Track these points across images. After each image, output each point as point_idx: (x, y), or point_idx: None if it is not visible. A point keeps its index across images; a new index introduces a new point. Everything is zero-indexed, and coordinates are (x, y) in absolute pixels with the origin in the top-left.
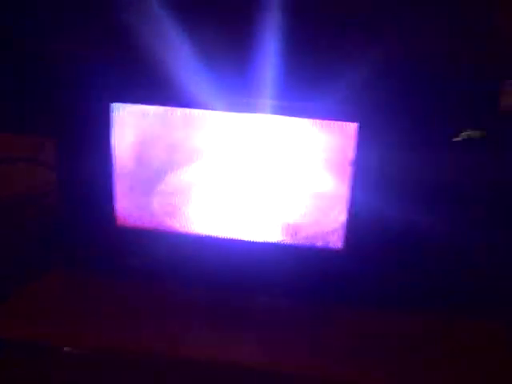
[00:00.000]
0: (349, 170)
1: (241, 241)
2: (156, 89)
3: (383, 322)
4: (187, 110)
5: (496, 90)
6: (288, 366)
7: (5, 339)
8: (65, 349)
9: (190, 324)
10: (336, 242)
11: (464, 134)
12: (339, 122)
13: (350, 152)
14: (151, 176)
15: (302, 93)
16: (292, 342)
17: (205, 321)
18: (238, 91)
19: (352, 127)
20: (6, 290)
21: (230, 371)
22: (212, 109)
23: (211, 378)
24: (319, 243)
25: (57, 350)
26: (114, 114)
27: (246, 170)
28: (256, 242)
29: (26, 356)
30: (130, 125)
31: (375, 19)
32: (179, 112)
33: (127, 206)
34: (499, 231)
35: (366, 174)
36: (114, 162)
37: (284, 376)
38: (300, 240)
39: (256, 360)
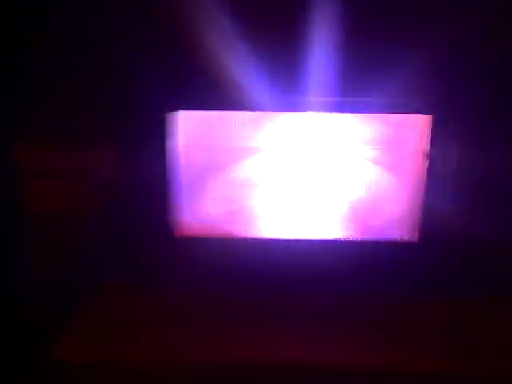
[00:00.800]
0: (425, 163)
1: (311, 240)
2: (215, 95)
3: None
4: (247, 114)
5: None
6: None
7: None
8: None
9: (272, 328)
10: (413, 235)
11: None
12: (414, 115)
13: (425, 144)
14: (209, 183)
15: (375, 89)
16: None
17: (285, 323)
18: (301, 91)
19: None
20: (70, 304)
21: (321, 372)
22: (280, 110)
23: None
24: (396, 236)
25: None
26: (176, 122)
27: (318, 168)
28: (328, 240)
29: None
30: (191, 133)
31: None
32: (238, 116)
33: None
34: None
35: (441, 167)
36: (174, 171)
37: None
38: (375, 234)
39: (346, 358)
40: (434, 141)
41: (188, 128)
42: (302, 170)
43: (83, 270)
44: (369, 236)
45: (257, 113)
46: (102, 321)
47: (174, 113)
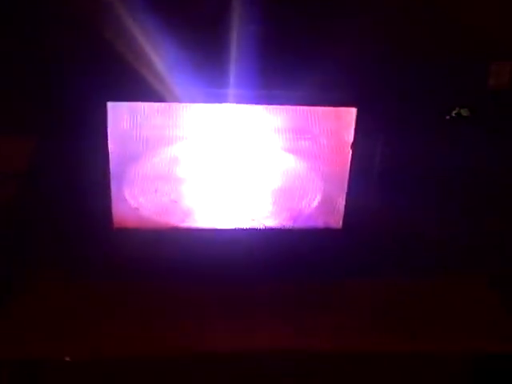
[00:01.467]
0: (348, 153)
1: (242, 229)
2: (146, 86)
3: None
4: (177, 105)
5: (485, 71)
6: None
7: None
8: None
9: (205, 317)
10: (336, 222)
11: (455, 112)
12: (339, 108)
13: (350, 136)
14: (145, 173)
15: (300, 81)
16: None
17: (219, 313)
18: (231, 82)
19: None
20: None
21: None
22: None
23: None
24: (320, 224)
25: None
26: (109, 112)
27: (244, 159)
28: (258, 229)
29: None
30: (124, 123)
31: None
32: (169, 107)
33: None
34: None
35: (364, 157)
36: (109, 162)
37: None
38: (302, 222)
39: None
40: (357, 132)
41: (116, 119)
42: (226, 161)
43: (17, 260)
44: (294, 224)
45: (180, 104)
46: (35, 311)
47: (109, 103)
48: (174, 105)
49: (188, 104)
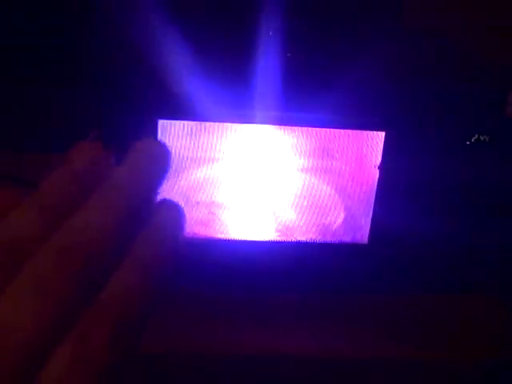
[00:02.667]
0: (375, 174)
1: (272, 241)
2: (192, 105)
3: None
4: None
5: (503, 99)
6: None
7: None
8: None
9: (234, 324)
10: (363, 238)
11: (474, 138)
12: (367, 132)
13: (377, 158)
14: (187, 187)
15: (329, 104)
16: (330, 329)
17: (247, 321)
18: (262, 104)
19: (379, 136)
20: None
21: (273, 363)
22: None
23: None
24: (348, 239)
25: None
26: (159, 129)
27: (275, 177)
28: (288, 242)
29: None
30: (173, 140)
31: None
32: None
33: None
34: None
35: (390, 177)
36: None
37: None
38: (330, 237)
39: (306, 349)
40: (385, 155)
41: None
42: (258, 179)
43: None
44: (323, 239)
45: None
46: None
47: (161, 120)
48: (208, 127)
49: (222, 125)
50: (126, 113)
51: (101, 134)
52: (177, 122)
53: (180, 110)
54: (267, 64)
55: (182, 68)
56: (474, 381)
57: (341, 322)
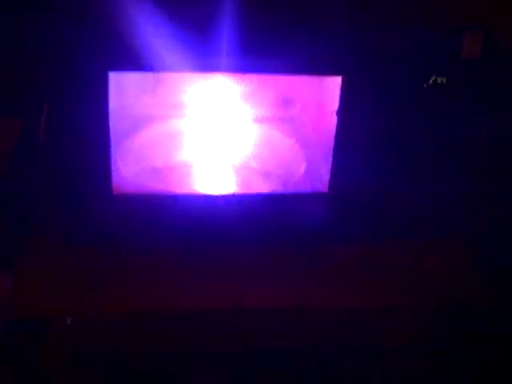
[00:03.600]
0: (334, 120)
1: (234, 195)
2: (144, 56)
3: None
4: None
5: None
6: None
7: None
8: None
9: (200, 278)
10: (323, 187)
11: (432, 80)
12: (325, 77)
13: (336, 104)
14: (144, 143)
15: (286, 50)
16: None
17: (212, 274)
18: (219, 52)
19: (337, 81)
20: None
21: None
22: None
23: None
24: (308, 189)
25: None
26: (110, 82)
27: (233, 128)
28: (248, 194)
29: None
30: (125, 91)
31: None
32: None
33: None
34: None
35: (349, 123)
36: (110, 130)
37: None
38: (291, 187)
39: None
40: (343, 100)
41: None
42: (216, 130)
43: (18, 228)
44: (284, 189)
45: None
46: (37, 273)
47: (111, 73)
48: (163, 78)
49: (177, 76)
50: (76, 66)
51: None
52: (130, 75)
53: (132, 61)
54: (223, 10)
55: (135, 17)
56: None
57: (304, 271)
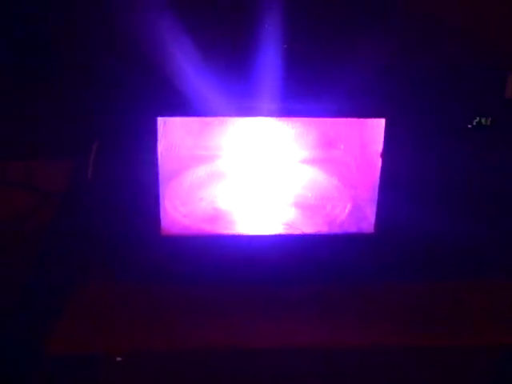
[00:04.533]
0: (379, 162)
1: (279, 235)
2: (190, 102)
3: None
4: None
5: (503, 80)
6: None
7: (63, 355)
8: (117, 359)
9: (248, 318)
10: (369, 227)
11: (476, 121)
12: (368, 119)
13: (380, 145)
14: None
15: (328, 93)
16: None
17: (260, 313)
18: (261, 97)
19: (380, 123)
20: (57, 303)
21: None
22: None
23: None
24: (354, 230)
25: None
26: (158, 126)
27: (279, 170)
28: (294, 235)
29: (83, 370)
30: (173, 136)
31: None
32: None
33: (171, 216)
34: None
35: (393, 164)
36: (158, 173)
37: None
38: (336, 228)
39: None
40: (387, 142)
41: (173, 133)
42: (262, 172)
43: (69, 269)
44: (329, 230)
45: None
46: (92, 317)
47: (160, 118)
48: (209, 122)
49: (222, 120)
50: (125, 112)
51: (101, 137)
52: (176, 119)
53: (179, 107)
54: (265, 57)
55: (180, 64)
56: (489, 366)
57: (350, 312)
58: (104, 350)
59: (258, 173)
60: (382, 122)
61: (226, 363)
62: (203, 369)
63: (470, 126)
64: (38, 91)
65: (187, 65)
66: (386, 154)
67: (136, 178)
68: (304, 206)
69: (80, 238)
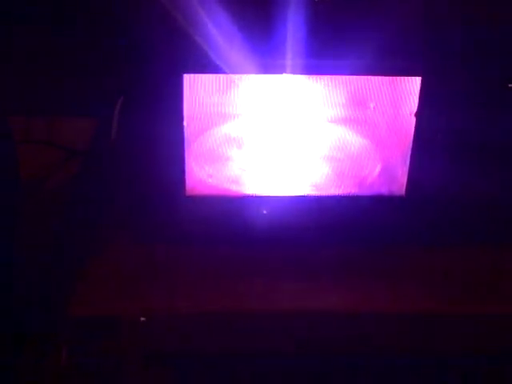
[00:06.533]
0: (412, 122)
1: (307, 196)
2: (216, 59)
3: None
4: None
5: None
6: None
7: (86, 316)
8: (142, 319)
9: (272, 280)
10: (400, 189)
11: None
12: (403, 77)
13: (414, 105)
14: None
15: (363, 50)
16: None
17: (285, 276)
18: (291, 53)
19: (416, 81)
20: (78, 263)
21: (316, 318)
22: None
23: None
24: (384, 191)
25: (134, 322)
26: (184, 83)
27: (307, 129)
28: (322, 196)
29: (106, 330)
30: (199, 94)
31: None
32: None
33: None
34: None
35: (428, 125)
36: (184, 132)
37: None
38: (366, 190)
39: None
40: (422, 101)
41: (199, 91)
42: (290, 132)
43: (92, 230)
44: (359, 192)
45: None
46: (109, 272)
47: (185, 75)
48: (237, 80)
49: (250, 77)
50: (151, 69)
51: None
52: (203, 76)
53: (206, 64)
54: (295, 10)
55: (206, 21)
56: None
57: (380, 275)
58: (127, 312)
59: (285, 132)
60: (418, 80)
61: (247, 325)
62: (225, 331)
63: (510, 85)
64: (63, 46)
65: (213, 21)
66: (421, 114)
67: (161, 137)
68: (333, 167)
69: (103, 198)
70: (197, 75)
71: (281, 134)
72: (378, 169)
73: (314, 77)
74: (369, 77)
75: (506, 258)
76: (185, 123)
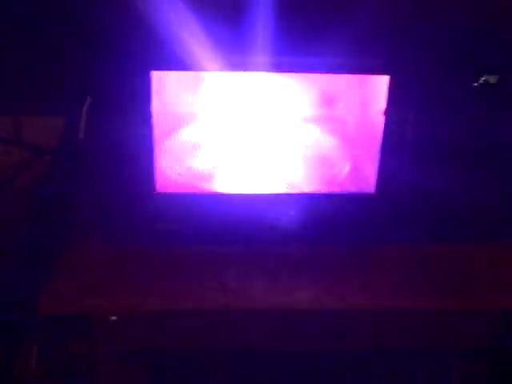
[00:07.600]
0: (381, 121)
1: (278, 194)
2: (185, 56)
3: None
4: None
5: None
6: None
7: (56, 314)
8: (112, 318)
9: (243, 278)
10: (369, 187)
11: (483, 79)
12: (372, 76)
13: (382, 104)
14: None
15: (331, 48)
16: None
17: (256, 273)
18: (260, 51)
19: (384, 80)
20: (47, 263)
21: (284, 316)
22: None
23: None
24: (354, 189)
25: (104, 319)
26: (152, 81)
27: (277, 128)
28: (292, 194)
29: (74, 329)
30: (167, 92)
31: None
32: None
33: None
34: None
35: (396, 123)
36: (153, 128)
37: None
38: (336, 187)
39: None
40: (390, 100)
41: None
42: (260, 130)
43: (59, 229)
44: (330, 190)
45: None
46: (84, 277)
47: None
48: (205, 77)
49: (219, 75)
50: (119, 66)
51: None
52: (171, 73)
53: (174, 61)
54: (263, 8)
55: (174, 17)
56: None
57: (350, 272)
58: (97, 309)
59: (255, 130)
60: (386, 79)
61: (220, 323)
62: (197, 328)
63: (475, 84)
64: (28, 44)
65: (181, 17)
66: (390, 112)
67: (130, 134)
68: (302, 165)
69: (71, 197)
70: (165, 72)
71: (250, 132)
72: (347, 167)
73: (283, 75)
74: (337, 75)
75: (477, 254)
76: (154, 121)
